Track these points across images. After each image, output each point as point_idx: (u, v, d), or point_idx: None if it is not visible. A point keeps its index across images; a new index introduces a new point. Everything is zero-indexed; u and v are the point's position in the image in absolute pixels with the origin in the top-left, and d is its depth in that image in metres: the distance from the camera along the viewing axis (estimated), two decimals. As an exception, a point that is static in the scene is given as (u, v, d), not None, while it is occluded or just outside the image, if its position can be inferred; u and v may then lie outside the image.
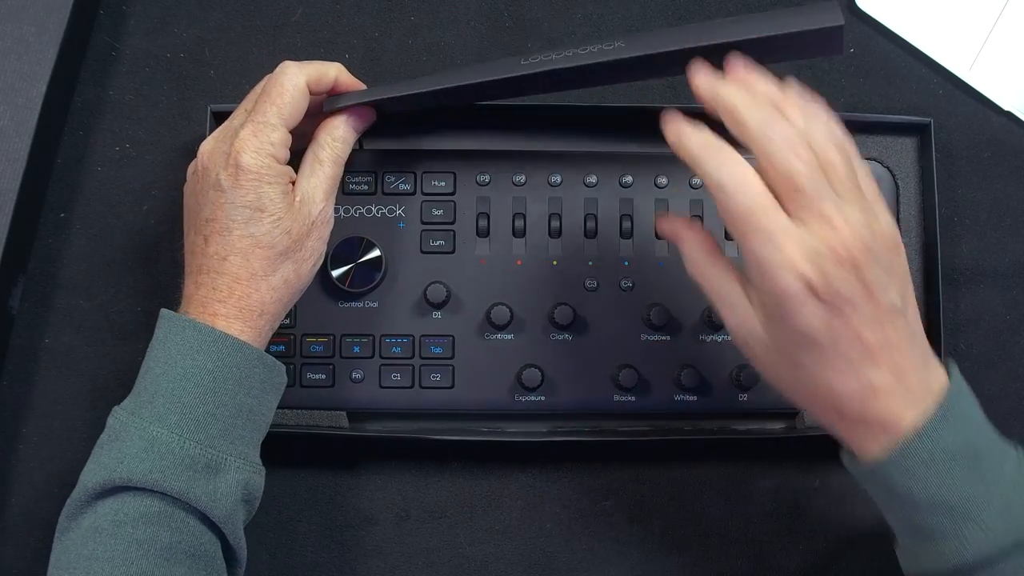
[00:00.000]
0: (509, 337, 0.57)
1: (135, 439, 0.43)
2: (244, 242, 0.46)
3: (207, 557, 0.44)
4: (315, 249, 0.49)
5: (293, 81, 0.48)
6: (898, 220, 0.60)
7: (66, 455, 0.58)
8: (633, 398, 0.57)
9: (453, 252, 0.57)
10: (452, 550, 0.59)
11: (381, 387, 0.57)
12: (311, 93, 0.49)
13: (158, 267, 0.59)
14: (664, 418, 0.59)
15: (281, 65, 0.49)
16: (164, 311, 0.47)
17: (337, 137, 0.50)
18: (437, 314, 0.57)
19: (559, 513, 0.60)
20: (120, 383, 0.58)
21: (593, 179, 0.58)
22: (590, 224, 0.58)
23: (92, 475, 0.43)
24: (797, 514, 0.60)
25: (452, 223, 0.57)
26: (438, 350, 0.57)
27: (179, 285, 0.58)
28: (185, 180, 0.59)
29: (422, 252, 0.57)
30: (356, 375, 0.57)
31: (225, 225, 0.46)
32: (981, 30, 0.64)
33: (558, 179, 0.58)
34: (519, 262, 0.58)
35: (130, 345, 0.58)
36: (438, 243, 0.57)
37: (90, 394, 0.58)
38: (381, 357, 0.57)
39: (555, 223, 0.58)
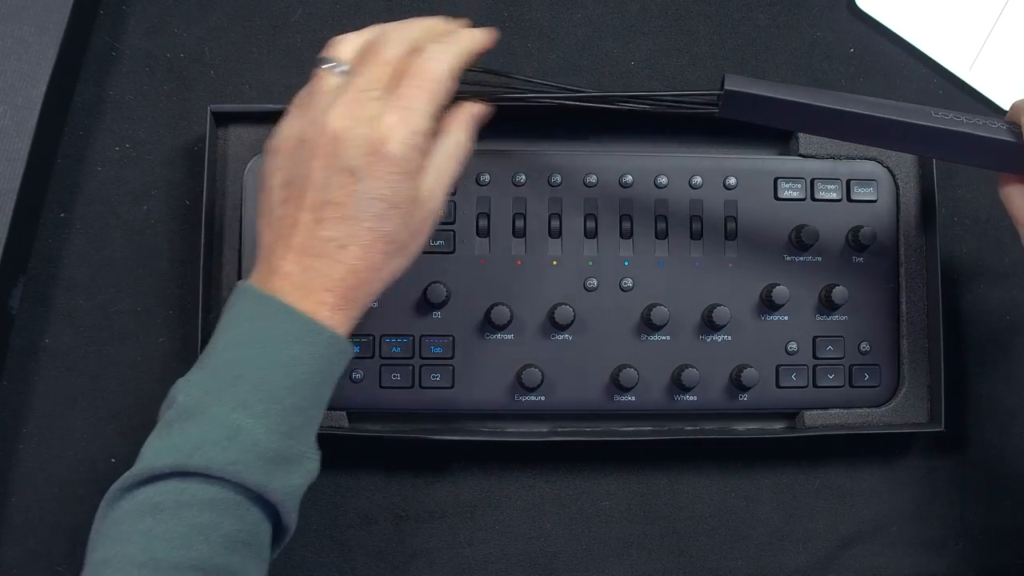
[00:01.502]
0: (509, 337, 0.57)
1: (215, 425, 0.40)
2: (370, 235, 0.43)
3: (260, 544, 0.42)
4: (422, 244, 0.46)
5: (444, 68, 0.44)
6: (898, 220, 0.60)
7: (66, 455, 0.58)
8: (633, 398, 0.57)
9: (453, 252, 0.57)
10: (452, 550, 0.59)
11: (381, 387, 0.57)
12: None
13: (158, 267, 0.59)
14: (664, 418, 0.59)
15: (422, 42, 0.45)
16: (249, 287, 0.43)
17: (471, 136, 0.47)
18: (437, 314, 0.57)
19: (559, 513, 0.59)
20: (120, 383, 0.58)
21: (593, 179, 0.58)
22: (590, 224, 0.58)
23: (162, 455, 0.41)
24: (797, 514, 0.60)
25: (452, 223, 0.57)
26: (438, 350, 0.57)
27: (178, 285, 0.59)
28: (183, 179, 0.60)
29: (422, 252, 0.57)
30: (356, 375, 0.57)
31: (352, 214, 0.42)
32: (981, 30, 0.64)
33: (558, 179, 0.58)
34: (519, 262, 0.58)
35: (130, 345, 0.58)
36: (438, 243, 0.57)
37: (90, 394, 0.58)
38: (381, 357, 0.57)
39: (555, 223, 0.58)
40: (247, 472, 0.40)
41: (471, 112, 0.48)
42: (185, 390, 0.42)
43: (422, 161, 0.44)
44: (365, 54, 0.45)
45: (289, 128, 0.45)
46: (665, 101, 0.51)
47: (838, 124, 0.49)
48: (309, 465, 0.43)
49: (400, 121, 0.43)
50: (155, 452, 0.41)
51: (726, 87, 0.47)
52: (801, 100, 0.48)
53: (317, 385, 0.43)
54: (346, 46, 0.47)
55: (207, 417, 0.41)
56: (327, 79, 0.45)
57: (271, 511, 0.43)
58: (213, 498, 0.40)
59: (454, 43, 0.46)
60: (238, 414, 0.41)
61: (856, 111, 0.47)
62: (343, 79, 0.45)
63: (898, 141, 0.50)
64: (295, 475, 0.42)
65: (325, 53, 0.46)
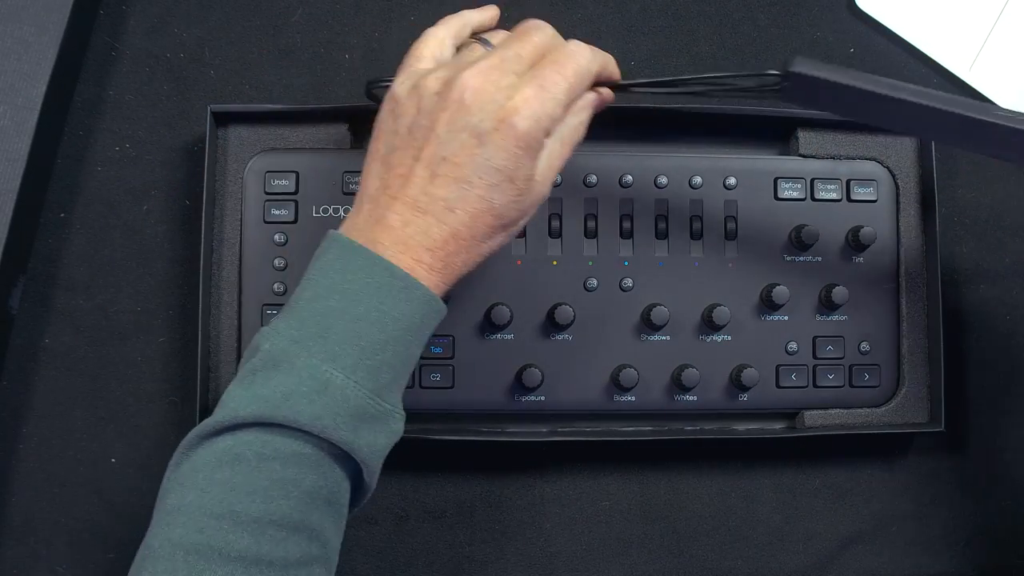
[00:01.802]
0: (509, 337, 0.57)
1: (304, 376, 0.39)
2: (481, 204, 0.42)
3: (339, 504, 0.42)
4: (526, 221, 0.45)
5: (588, 67, 0.44)
6: (898, 220, 0.60)
7: (66, 455, 0.58)
8: (633, 398, 0.57)
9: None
10: (452, 550, 0.59)
11: (381, 387, 0.57)
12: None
13: (158, 267, 0.59)
14: (664, 418, 0.59)
15: (569, 41, 0.45)
16: (342, 237, 0.42)
17: (585, 122, 0.46)
18: (437, 314, 0.57)
19: (559, 513, 0.60)
20: (120, 383, 0.58)
21: (593, 179, 0.58)
22: (590, 224, 0.58)
23: (246, 404, 0.39)
24: (797, 514, 0.60)
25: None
26: (438, 350, 0.57)
27: (178, 285, 0.59)
28: (183, 179, 0.60)
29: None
30: (356, 375, 0.56)
31: (467, 177, 0.41)
32: (981, 30, 0.64)
33: (558, 179, 0.58)
34: (519, 262, 0.58)
35: (130, 345, 0.58)
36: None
37: (90, 394, 0.58)
38: (381, 357, 0.57)
39: (556, 223, 0.58)
40: (335, 428, 0.39)
41: (594, 98, 0.47)
42: (271, 338, 0.41)
43: (544, 142, 0.43)
44: (514, 33, 0.46)
45: (420, 78, 0.44)
46: (724, 84, 0.49)
47: (905, 117, 0.47)
48: (395, 425, 0.42)
49: (535, 97, 0.42)
50: (239, 400, 0.40)
51: (793, 69, 0.46)
52: (870, 89, 0.46)
53: (409, 343, 0.42)
54: (499, 36, 0.48)
55: (295, 368, 0.40)
56: (474, 50, 0.46)
57: (352, 469, 0.42)
58: (297, 452, 0.39)
59: (599, 53, 0.46)
60: (328, 367, 0.40)
61: (925, 103, 0.46)
62: (488, 51, 0.45)
63: (960, 138, 0.49)
64: (381, 434, 0.42)
65: (485, 36, 0.48)
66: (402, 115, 0.44)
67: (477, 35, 0.48)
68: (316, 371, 0.40)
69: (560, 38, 0.46)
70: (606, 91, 0.48)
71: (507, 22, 0.63)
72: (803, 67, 0.46)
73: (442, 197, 0.42)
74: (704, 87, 0.49)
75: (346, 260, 0.42)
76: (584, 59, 0.44)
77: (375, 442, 0.41)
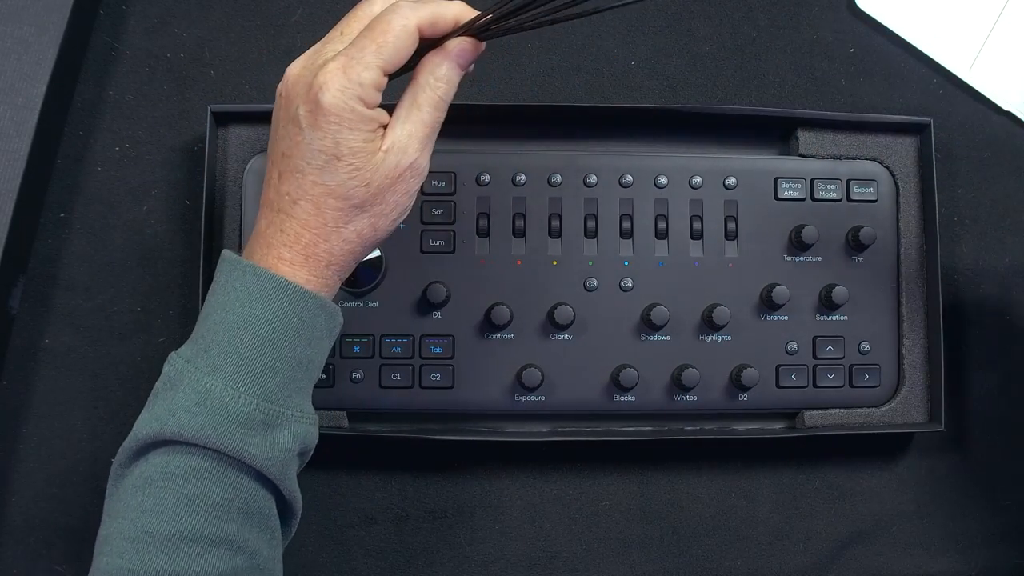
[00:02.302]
0: (509, 337, 0.57)
1: (188, 391, 0.40)
2: (317, 189, 0.41)
3: (261, 514, 0.42)
4: (398, 203, 0.43)
5: (402, 22, 0.41)
6: (898, 220, 0.60)
7: (66, 455, 0.58)
8: (633, 398, 0.57)
9: (453, 252, 0.57)
10: (452, 550, 0.59)
11: (381, 387, 0.57)
12: (422, 38, 0.42)
13: (158, 267, 0.59)
14: (664, 418, 0.59)
15: (393, 3, 0.42)
16: (226, 252, 0.43)
17: (440, 77, 0.42)
18: (437, 314, 0.57)
19: (559, 513, 0.60)
20: (120, 383, 0.58)
21: (593, 179, 0.58)
22: (590, 224, 0.58)
23: (145, 425, 0.41)
24: (797, 514, 0.60)
25: (452, 223, 0.57)
26: (438, 350, 0.57)
27: (178, 285, 0.59)
28: (183, 179, 0.60)
29: (422, 252, 0.57)
30: (356, 375, 0.57)
31: (298, 166, 0.41)
32: (981, 30, 0.64)
33: (558, 179, 0.58)
34: (519, 262, 0.58)
35: (130, 345, 0.58)
36: (438, 243, 0.57)
37: (90, 394, 0.58)
38: (381, 357, 0.57)
39: (555, 223, 0.58)
40: (219, 437, 0.40)
41: (448, 52, 0.43)
42: (171, 362, 0.42)
43: (372, 112, 0.41)
44: (349, 13, 0.44)
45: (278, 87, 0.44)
46: None
47: None
48: (295, 428, 0.42)
49: (340, 69, 0.40)
50: (141, 421, 0.42)
51: None
52: None
53: (291, 344, 0.42)
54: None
55: (182, 384, 0.41)
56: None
57: (266, 482, 0.42)
58: (196, 467, 0.40)
59: (422, 4, 0.42)
60: (209, 378, 0.41)
61: None
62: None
63: None
64: (277, 439, 0.41)
65: None
66: (270, 129, 0.44)
67: None
68: (199, 384, 0.41)
69: (394, 6, 0.42)
70: (466, 41, 0.43)
71: (507, 22, 0.63)
72: None
73: (286, 192, 0.42)
74: None
75: (227, 275, 0.43)
76: (398, 18, 0.41)
77: (271, 448, 0.41)
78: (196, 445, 0.40)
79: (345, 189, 0.41)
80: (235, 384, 0.41)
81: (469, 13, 0.43)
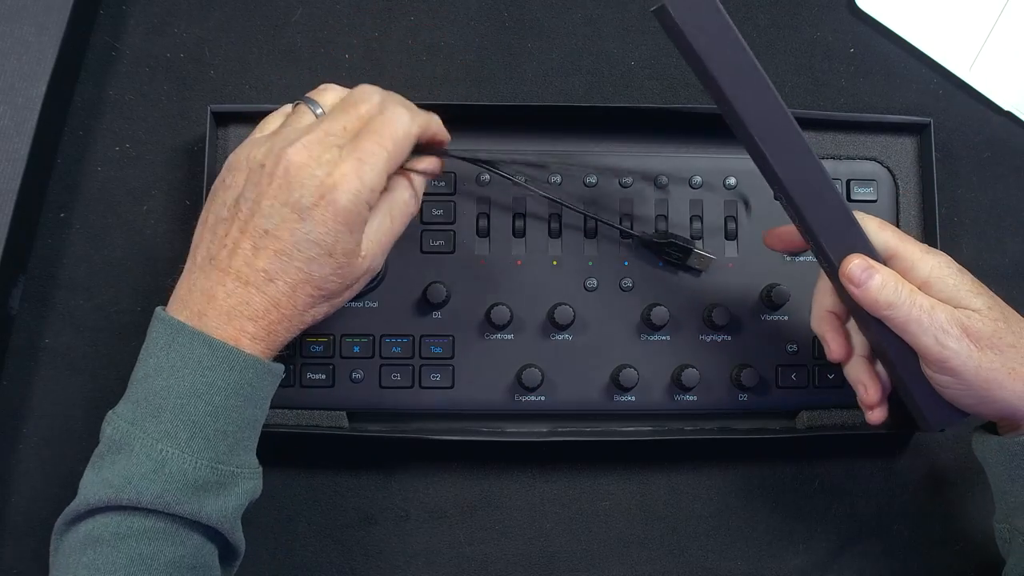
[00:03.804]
0: (509, 337, 0.57)
1: (142, 457, 0.41)
2: (299, 275, 0.43)
3: (206, 567, 0.43)
4: (353, 293, 0.47)
5: (407, 130, 0.44)
6: (898, 220, 0.60)
7: (66, 455, 0.58)
8: (633, 398, 0.57)
9: (453, 252, 0.57)
10: (452, 550, 0.59)
11: (381, 387, 0.57)
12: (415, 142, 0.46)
13: (158, 267, 0.59)
14: (664, 418, 0.59)
15: (389, 104, 0.45)
16: (164, 315, 0.44)
17: (417, 195, 0.47)
18: (437, 314, 0.57)
19: (559, 513, 0.60)
20: (120, 383, 0.57)
21: (593, 179, 0.58)
22: (590, 224, 0.58)
23: (95, 490, 0.42)
24: (797, 514, 0.60)
25: (452, 223, 0.57)
26: (438, 350, 0.57)
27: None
28: (183, 179, 0.60)
29: (422, 252, 0.57)
30: (356, 375, 0.57)
31: (285, 249, 0.42)
32: (981, 30, 0.64)
33: (558, 179, 0.58)
34: (519, 262, 0.58)
35: (130, 345, 0.58)
36: (438, 243, 0.57)
37: (90, 394, 0.58)
38: (381, 357, 0.57)
39: (555, 223, 0.58)
40: (177, 502, 0.41)
41: (419, 168, 0.47)
42: (113, 422, 0.43)
43: (367, 216, 0.44)
44: (341, 104, 0.46)
45: (252, 149, 0.45)
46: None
47: (728, 114, 0.46)
48: (245, 484, 0.44)
49: (354, 172, 0.42)
50: (89, 487, 0.42)
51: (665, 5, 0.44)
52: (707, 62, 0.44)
53: (240, 408, 0.43)
54: (331, 95, 0.47)
55: (133, 449, 0.42)
56: (304, 116, 0.46)
57: (212, 533, 0.43)
58: (150, 528, 0.41)
59: (419, 113, 0.46)
60: (163, 444, 0.41)
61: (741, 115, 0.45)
62: (316, 120, 0.46)
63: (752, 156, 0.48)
64: (230, 497, 0.43)
65: (312, 95, 0.47)
66: (232, 186, 0.44)
67: (305, 97, 0.47)
68: (152, 451, 0.41)
69: (388, 101, 0.46)
70: (434, 161, 0.48)
71: (507, 21, 0.63)
72: (674, 6, 0.44)
73: (263, 268, 0.43)
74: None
75: (168, 338, 0.43)
76: (402, 124, 0.44)
77: (224, 506, 0.43)
78: (152, 510, 0.41)
79: (324, 282, 0.44)
80: (190, 450, 0.42)
81: (442, 128, 0.48)
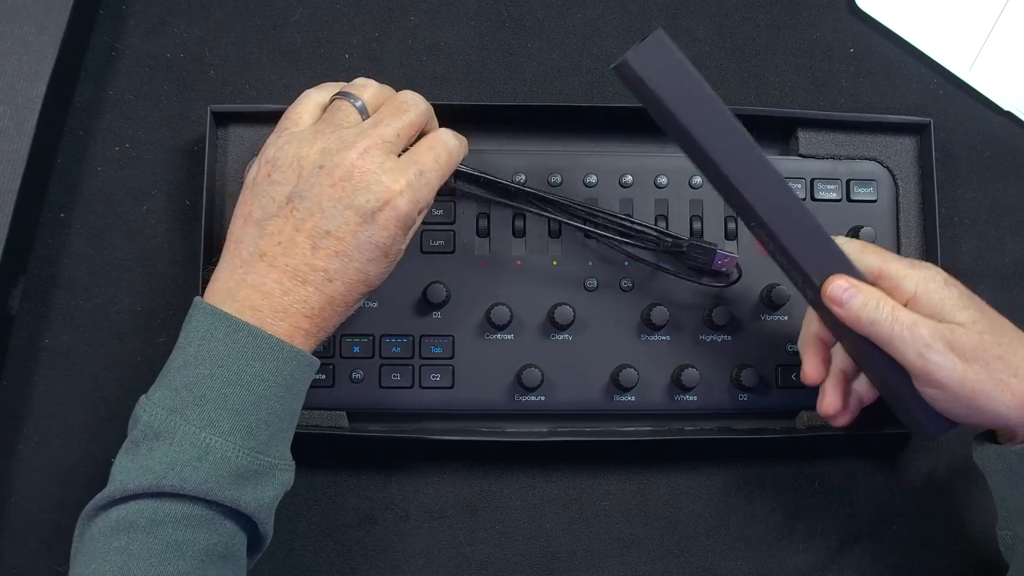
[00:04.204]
0: (509, 337, 0.57)
1: (185, 445, 0.41)
2: (357, 276, 0.45)
3: (235, 556, 0.44)
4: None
5: (457, 156, 0.48)
6: (898, 220, 0.60)
7: (66, 455, 0.58)
8: (633, 398, 0.57)
9: (453, 252, 0.57)
10: (452, 550, 0.59)
11: (381, 387, 0.57)
12: None
13: (158, 267, 0.59)
14: (664, 418, 0.59)
15: (442, 131, 0.49)
16: (206, 305, 0.44)
17: (431, 202, 0.48)
18: (437, 314, 0.57)
19: (559, 513, 0.60)
20: (120, 383, 0.58)
21: (593, 179, 0.58)
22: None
23: (134, 476, 0.41)
24: (797, 514, 0.60)
25: (452, 223, 0.57)
26: (438, 350, 0.57)
27: (178, 285, 0.59)
28: (183, 179, 0.60)
29: (422, 252, 0.57)
30: (356, 375, 0.57)
31: (346, 251, 0.44)
32: (981, 30, 0.64)
33: (558, 179, 0.58)
34: (519, 262, 0.58)
35: (130, 345, 0.58)
36: (438, 243, 0.57)
37: (90, 394, 0.58)
38: (381, 357, 0.57)
39: (555, 223, 0.58)
40: (220, 489, 0.41)
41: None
42: (149, 409, 0.43)
43: (416, 220, 0.47)
44: (389, 109, 0.47)
45: (299, 146, 0.45)
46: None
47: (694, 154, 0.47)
48: (282, 476, 0.44)
49: (415, 182, 0.45)
50: (127, 473, 0.42)
51: (627, 60, 0.44)
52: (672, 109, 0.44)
53: (282, 399, 0.44)
54: (371, 90, 0.48)
55: (176, 437, 0.42)
56: (348, 113, 0.47)
57: (245, 521, 0.44)
58: (187, 514, 0.41)
59: (462, 139, 0.50)
60: (206, 433, 0.42)
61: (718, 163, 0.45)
62: (361, 119, 0.47)
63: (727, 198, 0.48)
64: (268, 487, 0.43)
65: (350, 89, 0.48)
66: (281, 182, 0.45)
67: (343, 91, 0.48)
68: (196, 439, 0.42)
69: (429, 108, 0.49)
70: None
71: (506, 21, 0.63)
72: (637, 60, 0.44)
73: (323, 268, 0.44)
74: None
75: (209, 327, 0.43)
76: (454, 147, 0.48)
77: (262, 496, 0.43)
78: (193, 497, 0.41)
79: (377, 280, 0.46)
80: (232, 438, 0.42)
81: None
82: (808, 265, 0.47)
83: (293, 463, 0.46)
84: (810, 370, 0.52)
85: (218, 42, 0.61)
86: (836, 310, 0.47)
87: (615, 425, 0.59)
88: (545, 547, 0.59)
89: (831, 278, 0.47)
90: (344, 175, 0.44)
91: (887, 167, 0.60)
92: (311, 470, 0.59)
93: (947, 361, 0.45)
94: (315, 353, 0.46)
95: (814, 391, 0.59)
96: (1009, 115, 0.64)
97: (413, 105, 0.47)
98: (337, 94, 0.48)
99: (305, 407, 0.56)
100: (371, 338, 0.57)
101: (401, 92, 0.48)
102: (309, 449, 0.58)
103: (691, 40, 0.63)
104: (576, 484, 0.60)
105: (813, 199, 0.59)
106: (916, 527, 0.61)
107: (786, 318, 0.58)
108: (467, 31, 0.63)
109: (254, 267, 0.44)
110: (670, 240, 0.56)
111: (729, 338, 0.58)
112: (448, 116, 0.58)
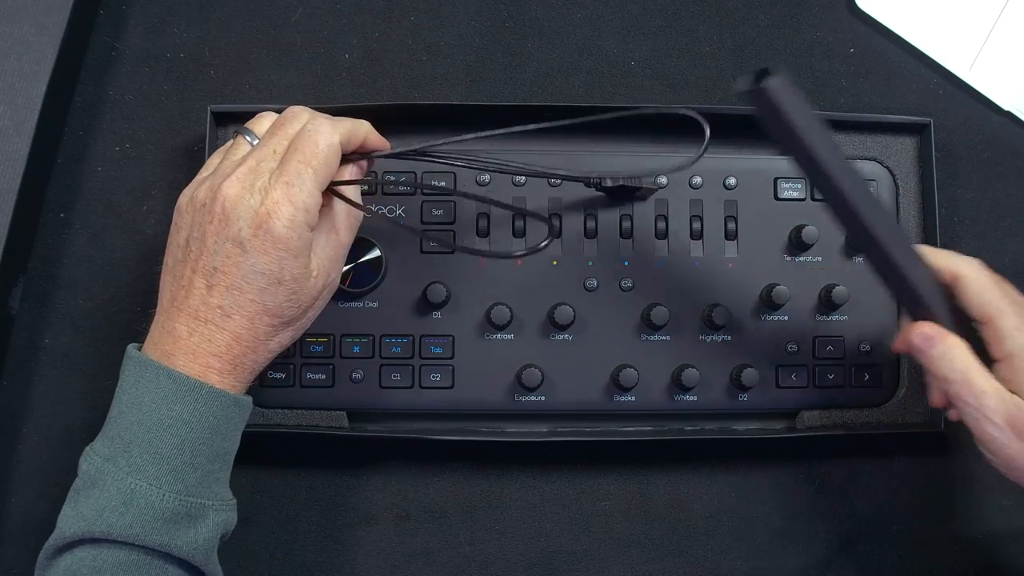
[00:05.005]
0: (509, 337, 0.57)
1: (112, 491, 0.42)
2: (253, 307, 0.44)
3: None
4: (315, 315, 0.47)
5: (328, 140, 0.44)
6: (898, 220, 0.60)
7: (66, 455, 0.58)
8: (633, 398, 0.57)
9: (453, 252, 0.57)
10: (452, 550, 0.59)
11: (381, 387, 0.57)
12: (341, 152, 0.46)
13: (158, 267, 0.59)
14: (664, 418, 0.59)
15: (311, 120, 0.46)
16: (132, 351, 0.45)
17: (355, 201, 0.47)
18: (437, 314, 0.57)
19: (559, 513, 0.60)
20: (120, 383, 0.58)
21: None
22: (590, 224, 0.58)
23: (71, 523, 0.42)
24: (797, 514, 0.60)
25: (452, 223, 0.57)
26: (438, 350, 0.57)
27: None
28: (183, 179, 0.60)
29: (422, 252, 0.57)
30: (356, 375, 0.57)
31: (237, 284, 0.43)
32: (981, 30, 0.64)
33: (558, 179, 0.58)
34: (519, 262, 0.58)
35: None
36: (438, 243, 0.57)
37: (90, 394, 0.58)
38: (381, 357, 0.57)
39: (556, 223, 0.58)
40: (147, 534, 0.41)
41: (348, 176, 0.48)
42: (89, 458, 0.44)
43: (311, 235, 0.44)
44: (271, 127, 0.46)
45: (195, 189, 0.46)
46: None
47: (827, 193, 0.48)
48: (217, 517, 0.44)
49: (285, 198, 0.43)
50: (66, 519, 0.43)
51: (765, 85, 0.45)
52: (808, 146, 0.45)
53: (209, 440, 0.44)
54: (266, 122, 0.48)
55: (105, 483, 0.42)
56: (240, 147, 0.47)
57: (187, 566, 0.44)
58: (124, 561, 0.42)
59: (341, 122, 0.46)
60: (132, 478, 0.42)
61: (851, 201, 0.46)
62: (249, 150, 0.46)
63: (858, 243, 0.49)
64: (201, 529, 0.43)
65: (248, 125, 0.48)
66: (182, 227, 0.46)
67: (241, 128, 0.48)
68: (122, 485, 0.42)
69: (314, 119, 0.46)
70: (357, 168, 0.48)
71: (507, 21, 0.63)
72: (775, 88, 0.45)
73: (218, 305, 0.43)
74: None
75: (137, 375, 0.44)
76: (323, 138, 0.45)
77: (196, 538, 0.43)
78: (124, 543, 0.42)
79: (280, 310, 0.44)
80: (158, 482, 0.42)
81: (375, 133, 0.48)
82: (912, 292, 0.48)
83: (233, 500, 0.46)
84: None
85: (218, 42, 0.61)
86: (914, 354, 0.48)
87: (615, 425, 0.59)
88: (545, 547, 0.59)
89: (916, 325, 0.48)
90: (220, 208, 0.43)
91: (887, 167, 0.60)
92: (311, 470, 0.59)
93: (1002, 436, 0.45)
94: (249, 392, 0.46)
95: (814, 391, 0.59)
96: (1009, 115, 0.64)
97: (291, 118, 0.46)
98: (236, 131, 0.48)
99: (305, 407, 0.57)
100: (371, 338, 0.57)
101: (288, 109, 0.47)
102: (309, 449, 0.59)
103: (691, 40, 0.63)
104: (576, 484, 0.60)
105: (813, 199, 0.59)
106: (916, 527, 0.61)
107: (786, 318, 0.58)
108: (467, 31, 0.63)
109: (169, 314, 0.45)
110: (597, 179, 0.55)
111: (729, 338, 0.58)
112: (448, 116, 0.58)
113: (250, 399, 0.46)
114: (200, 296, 0.44)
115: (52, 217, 0.59)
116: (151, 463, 0.42)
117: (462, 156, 0.52)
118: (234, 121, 0.59)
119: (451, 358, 0.57)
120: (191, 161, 0.60)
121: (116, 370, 0.58)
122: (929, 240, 0.60)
